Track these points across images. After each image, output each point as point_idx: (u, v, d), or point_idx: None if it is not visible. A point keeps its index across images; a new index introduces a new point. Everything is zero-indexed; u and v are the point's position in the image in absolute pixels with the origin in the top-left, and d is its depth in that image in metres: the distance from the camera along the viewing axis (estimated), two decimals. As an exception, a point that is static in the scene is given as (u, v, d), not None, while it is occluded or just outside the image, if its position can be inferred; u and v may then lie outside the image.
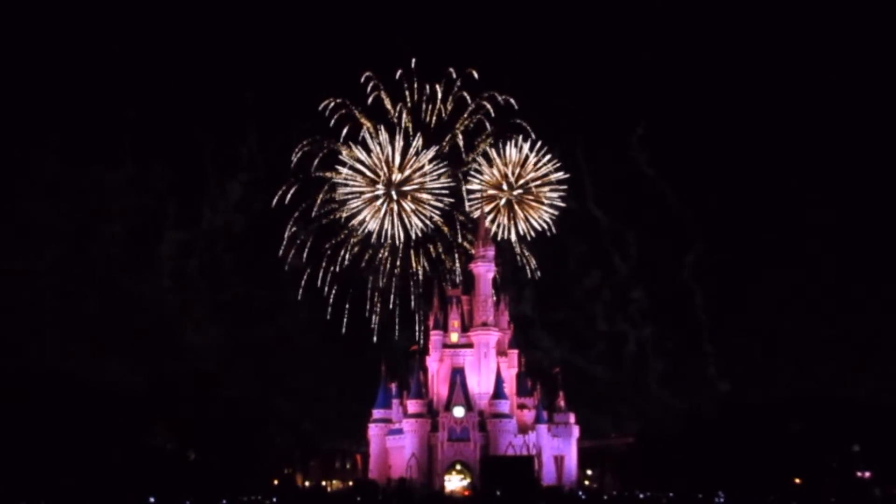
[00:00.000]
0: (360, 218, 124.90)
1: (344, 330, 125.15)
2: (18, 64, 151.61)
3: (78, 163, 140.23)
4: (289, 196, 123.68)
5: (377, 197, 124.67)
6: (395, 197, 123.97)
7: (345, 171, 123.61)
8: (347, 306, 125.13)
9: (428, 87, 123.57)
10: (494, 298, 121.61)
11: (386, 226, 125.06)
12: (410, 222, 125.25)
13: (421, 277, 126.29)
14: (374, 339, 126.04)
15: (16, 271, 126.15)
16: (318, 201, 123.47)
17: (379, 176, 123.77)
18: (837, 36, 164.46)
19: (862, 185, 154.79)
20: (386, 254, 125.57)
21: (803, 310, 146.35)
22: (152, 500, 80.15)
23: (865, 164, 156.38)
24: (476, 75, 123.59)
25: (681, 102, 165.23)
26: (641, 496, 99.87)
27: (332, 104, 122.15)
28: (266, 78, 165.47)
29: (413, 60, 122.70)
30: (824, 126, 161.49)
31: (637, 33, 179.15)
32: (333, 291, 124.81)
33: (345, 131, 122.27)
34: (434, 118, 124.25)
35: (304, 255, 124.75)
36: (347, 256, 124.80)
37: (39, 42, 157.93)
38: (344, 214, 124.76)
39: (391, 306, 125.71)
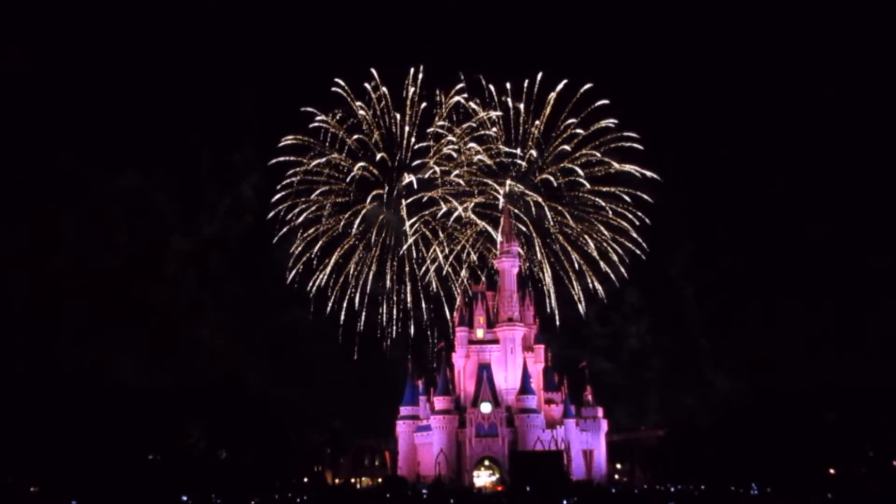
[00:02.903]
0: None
1: (356, 355, 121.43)
2: (26, 75, 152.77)
3: (86, 169, 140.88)
4: (294, 215, 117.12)
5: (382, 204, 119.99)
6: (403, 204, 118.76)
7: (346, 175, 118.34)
8: (360, 327, 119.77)
9: (438, 91, 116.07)
10: (519, 294, 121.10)
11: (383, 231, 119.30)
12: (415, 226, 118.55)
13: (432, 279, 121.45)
14: (386, 355, 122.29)
15: (31, 275, 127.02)
16: (325, 214, 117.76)
17: (383, 182, 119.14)
18: (827, 35, 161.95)
19: (861, 172, 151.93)
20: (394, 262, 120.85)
21: (832, 299, 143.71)
22: (185, 498, 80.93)
23: (857, 153, 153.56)
24: (484, 81, 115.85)
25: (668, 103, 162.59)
26: (673, 489, 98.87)
27: (339, 115, 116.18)
28: (267, 86, 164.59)
29: (422, 67, 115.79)
30: (816, 119, 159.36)
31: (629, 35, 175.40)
32: (343, 310, 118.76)
33: (349, 141, 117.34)
34: (442, 123, 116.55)
35: (313, 278, 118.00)
36: (353, 269, 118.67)
37: (45, 51, 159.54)
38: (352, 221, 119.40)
39: (399, 322, 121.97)
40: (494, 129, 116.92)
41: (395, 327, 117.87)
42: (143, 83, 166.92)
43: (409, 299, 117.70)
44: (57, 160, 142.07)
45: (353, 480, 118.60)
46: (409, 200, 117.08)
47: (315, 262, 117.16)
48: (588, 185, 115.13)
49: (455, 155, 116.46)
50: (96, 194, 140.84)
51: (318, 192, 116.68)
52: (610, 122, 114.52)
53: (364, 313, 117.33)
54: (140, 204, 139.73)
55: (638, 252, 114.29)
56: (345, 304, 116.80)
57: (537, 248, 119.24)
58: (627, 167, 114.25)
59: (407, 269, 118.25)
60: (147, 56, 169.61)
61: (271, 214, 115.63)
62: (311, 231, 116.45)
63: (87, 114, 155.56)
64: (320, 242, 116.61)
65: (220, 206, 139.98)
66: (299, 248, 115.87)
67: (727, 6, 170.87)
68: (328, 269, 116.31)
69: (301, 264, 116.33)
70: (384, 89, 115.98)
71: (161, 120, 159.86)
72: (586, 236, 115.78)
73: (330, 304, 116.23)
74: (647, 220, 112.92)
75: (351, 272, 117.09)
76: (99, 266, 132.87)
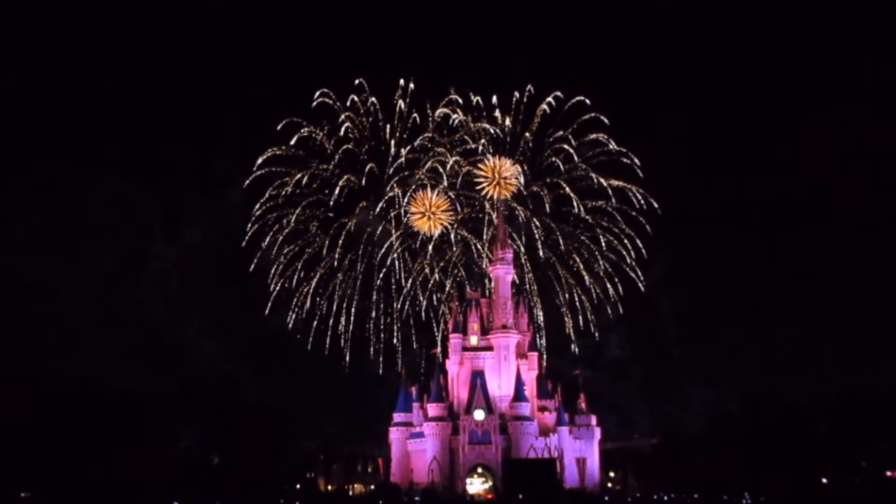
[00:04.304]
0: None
1: (346, 370, 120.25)
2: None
3: (66, 172, 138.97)
4: (280, 227, 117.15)
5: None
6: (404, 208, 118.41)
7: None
8: (347, 343, 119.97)
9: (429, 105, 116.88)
10: (513, 301, 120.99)
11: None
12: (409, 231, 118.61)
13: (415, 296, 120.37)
14: (380, 370, 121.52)
15: (16, 280, 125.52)
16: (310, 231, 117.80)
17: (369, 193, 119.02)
18: (820, 51, 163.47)
19: (845, 185, 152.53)
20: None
21: (828, 308, 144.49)
22: (176, 503, 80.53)
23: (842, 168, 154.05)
24: (472, 95, 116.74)
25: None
26: (666, 498, 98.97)
27: (327, 127, 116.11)
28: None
29: (412, 79, 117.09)
30: (802, 131, 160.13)
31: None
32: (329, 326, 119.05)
33: (337, 153, 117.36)
34: (430, 135, 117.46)
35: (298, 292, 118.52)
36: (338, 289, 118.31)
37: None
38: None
39: (385, 335, 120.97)
40: (483, 142, 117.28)
41: (381, 340, 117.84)
42: (129, 90, 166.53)
43: (395, 311, 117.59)
44: (39, 166, 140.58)
45: (345, 487, 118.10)
46: (396, 212, 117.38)
47: (301, 274, 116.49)
48: (576, 199, 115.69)
49: (441, 168, 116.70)
50: (81, 200, 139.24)
51: (303, 203, 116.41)
52: (599, 135, 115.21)
53: (351, 328, 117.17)
54: (124, 210, 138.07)
55: (622, 265, 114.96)
56: (331, 320, 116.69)
57: (523, 262, 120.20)
58: (615, 182, 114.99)
59: (393, 281, 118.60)
60: (133, 64, 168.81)
61: (251, 231, 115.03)
62: (295, 244, 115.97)
63: (71, 120, 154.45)
64: (305, 255, 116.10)
65: (205, 214, 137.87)
66: (284, 262, 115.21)
67: (722, 17, 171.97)
68: (313, 284, 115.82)
69: (285, 278, 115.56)
70: (373, 99, 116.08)
71: (146, 128, 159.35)
72: (573, 251, 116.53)
73: (315, 321, 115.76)
74: (640, 244, 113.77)
75: (337, 286, 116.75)
76: (84, 271, 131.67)
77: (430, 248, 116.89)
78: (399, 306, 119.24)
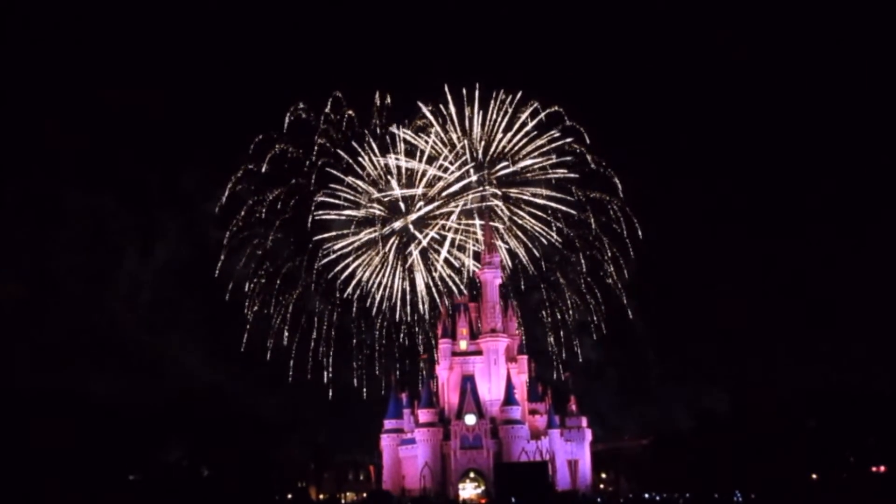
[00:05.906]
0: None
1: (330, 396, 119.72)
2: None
3: (40, 185, 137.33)
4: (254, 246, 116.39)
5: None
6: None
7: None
8: (330, 371, 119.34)
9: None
10: (502, 304, 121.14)
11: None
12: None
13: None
14: (364, 392, 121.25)
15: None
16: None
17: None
18: (804, 61, 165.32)
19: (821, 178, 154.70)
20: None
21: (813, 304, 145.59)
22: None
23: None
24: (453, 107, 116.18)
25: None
26: (657, 498, 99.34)
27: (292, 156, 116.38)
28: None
29: (388, 95, 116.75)
30: (776, 130, 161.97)
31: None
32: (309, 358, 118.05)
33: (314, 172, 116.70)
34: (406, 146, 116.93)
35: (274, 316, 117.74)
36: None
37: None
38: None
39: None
40: (459, 151, 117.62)
41: (363, 363, 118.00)
42: (105, 102, 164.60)
43: (377, 329, 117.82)
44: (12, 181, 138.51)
45: (337, 495, 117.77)
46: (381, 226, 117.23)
47: (279, 288, 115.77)
48: (552, 215, 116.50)
49: (417, 179, 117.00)
50: (54, 213, 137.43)
51: (277, 223, 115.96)
52: (574, 144, 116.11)
53: (332, 352, 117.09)
54: (98, 225, 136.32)
55: (603, 276, 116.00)
56: (311, 343, 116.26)
57: (503, 273, 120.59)
58: (592, 194, 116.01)
59: (376, 301, 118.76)
60: (107, 77, 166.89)
61: (226, 250, 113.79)
62: (270, 266, 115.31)
63: (43, 131, 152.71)
64: (280, 275, 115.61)
65: (178, 230, 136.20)
66: (260, 284, 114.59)
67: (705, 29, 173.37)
68: (290, 305, 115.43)
69: (264, 297, 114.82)
70: (350, 112, 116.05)
71: (121, 143, 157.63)
72: (553, 263, 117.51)
73: (295, 345, 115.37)
74: (617, 252, 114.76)
75: (316, 305, 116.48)
76: (58, 287, 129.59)
77: (411, 260, 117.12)
78: (380, 325, 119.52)
